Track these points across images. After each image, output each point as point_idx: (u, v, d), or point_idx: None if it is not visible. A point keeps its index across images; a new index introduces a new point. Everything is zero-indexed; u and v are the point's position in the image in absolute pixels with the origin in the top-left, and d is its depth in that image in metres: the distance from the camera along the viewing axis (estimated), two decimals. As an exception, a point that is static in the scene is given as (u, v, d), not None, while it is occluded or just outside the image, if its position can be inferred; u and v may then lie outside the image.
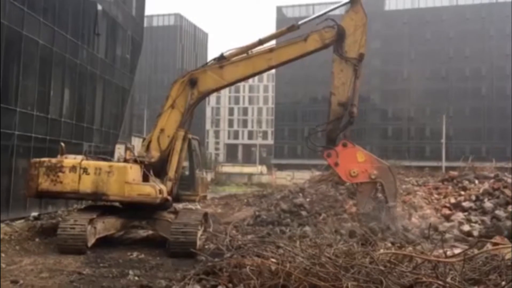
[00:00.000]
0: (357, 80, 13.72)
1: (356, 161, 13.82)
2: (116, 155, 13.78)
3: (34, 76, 19.13)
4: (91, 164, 12.71)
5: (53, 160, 12.87)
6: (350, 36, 13.67)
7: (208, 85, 14.04)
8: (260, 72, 15.01)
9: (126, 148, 13.98)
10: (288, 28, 14.22)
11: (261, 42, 14.18)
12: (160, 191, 12.58)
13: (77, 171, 12.49)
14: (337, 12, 15.63)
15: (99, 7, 24.83)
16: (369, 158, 14.10)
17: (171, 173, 13.43)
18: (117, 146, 12.95)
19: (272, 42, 14.77)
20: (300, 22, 14.22)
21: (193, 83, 13.78)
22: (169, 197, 13.16)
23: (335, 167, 14.10)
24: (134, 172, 12.71)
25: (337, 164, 13.90)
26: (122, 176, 12.41)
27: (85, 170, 12.49)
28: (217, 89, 15.27)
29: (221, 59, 14.00)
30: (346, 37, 13.66)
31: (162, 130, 13.71)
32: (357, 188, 14.42)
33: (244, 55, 14.09)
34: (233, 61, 14.01)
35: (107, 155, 14.89)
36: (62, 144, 14.06)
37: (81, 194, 12.70)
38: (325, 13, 14.37)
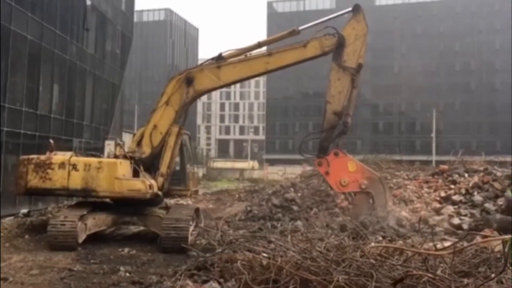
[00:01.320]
0: (353, 90, 13.60)
1: (347, 170, 13.73)
2: (106, 151, 13.65)
3: (23, 72, 18.97)
4: (80, 160, 12.62)
5: (42, 157, 12.76)
6: (350, 45, 13.55)
7: (205, 84, 13.92)
8: (257, 75, 14.91)
9: (116, 144, 13.89)
10: (289, 32, 14.00)
11: (260, 45, 14.11)
12: (151, 186, 12.53)
13: (66, 167, 12.39)
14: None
15: (88, 2, 24.64)
16: (360, 168, 14.02)
17: (163, 168, 13.35)
18: (107, 142, 12.81)
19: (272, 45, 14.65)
20: (301, 28, 14.03)
21: (189, 81, 13.66)
22: (160, 193, 13.11)
23: (326, 176, 14.02)
24: (124, 167, 12.65)
25: (328, 173, 13.83)
26: (112, 172, 12.34)
27: (74, 167, 12.40)
28: (213, 89, 15.18)
29: (219, 59, 13.86)
30: (346, 46, 13.52)
31: (155, 127, 13.62)
32: (352, 202, 14.34)
33: (242, 56, 13.97)
34: (230, 62, 13.87)
35: (98, 151, 14.81)
36: (51, 140, 13.95)
37: (70, 190, 12.61)
38: (327, 20, 14.16)
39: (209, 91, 15.05)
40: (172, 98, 13.65)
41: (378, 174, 14.56)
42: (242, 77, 14.48)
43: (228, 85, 15.09)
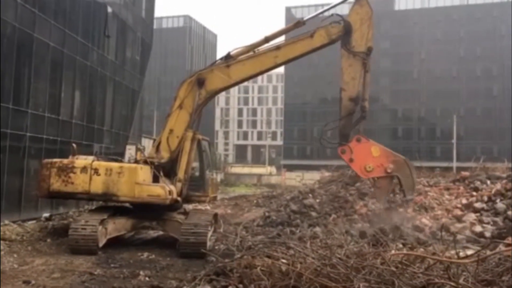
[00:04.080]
0: (367, 74, 13.64)
1: (371, 155, 13.62)
2: (127, 156, 13.80)
3: (45, 78, 19.32)
4: (102, 165, 12.75)
5: (65, 161, 12.94)
6: (357, 30, 13.63)
7: (216, 84, 14.00)
8: (267, 70, 14.87)
9: (137, 149, 14.03)
10: (294, 24, 14.19)
11: (267, 39, 14.08)
12: (170, 192, 12.59)
13: (88, 172, 12.53)
14: (345, 6, 15.53)
15: (109, 10, 24.99)
16: (384, 152, 13.88)
17: (181, 174, 13.41)
18: (128, 147, 13.05)
19: (279, 39, 14.69)
20: (306, 18, 14.21)
21: (200, 83, 13.75)
22: (179, 198, 13.16)
23: (350, 163, 13.90)
24: (144, 173, 12.75)
25: (352, 160, 13.72)
26: (132, 177, 12.44)
27: (96, 171, 12.52)
28: (225, 88, 15.19)
29: (228, 58, 13.94)
30: (353, 32, 13.62)
31: (171, 131, 13.71)
32: (374, 184, 14.25)
33: (251, 53, 14.02)
34: (240, 60, 13.94)
35: (117, 156, 14.97)
36: (74, 145, 14.16)
37: (92, 194, 12.74)
38: (331, 8, 14.30)
39: (221, 90, 15.04)
40: (185, 101, 13.75)
41: (403, 157, 14.29)
42: (252, 73, 14.43)
43: (239, 82, 15.05)
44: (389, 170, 13.50)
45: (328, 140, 14.85)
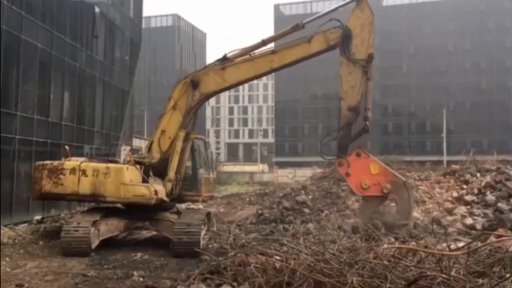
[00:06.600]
0: (368, 82, 12.87)
1: (369, 172, 12.95)
2: (122, 156, 13.74)
3: (34, 80, 19.16)
4: (89, 166, 12.71)
5: (55, 163, 12.92)
6: (357, 36, 12.97)
7: (210, 86, 13.80)
8: (262, 75, 14.50)
9: (130, 149, 13.99)
10: (292, 27, 13.56)
11: (264, 42, 13.74)
12: (156, 192, 12.50)
13: (76, 173, 12.51)
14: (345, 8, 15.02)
15: (97, 10, 24.83)
16: (383, 171, 13.17)
17: (171, 174, 13.34)
18: (123, 147, 12.96)
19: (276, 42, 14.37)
20: (304, 21, 13.61)
21: (195, 84, 13.60)
22: (166, 198, 13.04)
23: (346, 177, 13.29)
24: (131, 173, 12.67)
25: (349, 174, 13.09)
26: (118, 177, 12.40)
27: (83, 172, 12.50)
28: (219, 91, 14.90)
29: (224, 60, 13.70)
30: (353, 38, 12.96)
31: (163, 132, 13.65)
32: (363, 197, 13.47)
33: (247, 56, 13.72)
34: (235, 63, 13.66)
35: (108, 157, 14.89)
36: (67, 147, 14.09)
37: (80, 195, 12.74)
38: (330, 12, 13.76)
39: (215, 93, 14.77)
40: (179, 102, 13.65)
41: (403, 178, 13.63)
42: (247, 77, 14.10)
43: (234, 86, 14.80)
44: (385, 191, 12.82)
45: (327, 152, 13.98)
